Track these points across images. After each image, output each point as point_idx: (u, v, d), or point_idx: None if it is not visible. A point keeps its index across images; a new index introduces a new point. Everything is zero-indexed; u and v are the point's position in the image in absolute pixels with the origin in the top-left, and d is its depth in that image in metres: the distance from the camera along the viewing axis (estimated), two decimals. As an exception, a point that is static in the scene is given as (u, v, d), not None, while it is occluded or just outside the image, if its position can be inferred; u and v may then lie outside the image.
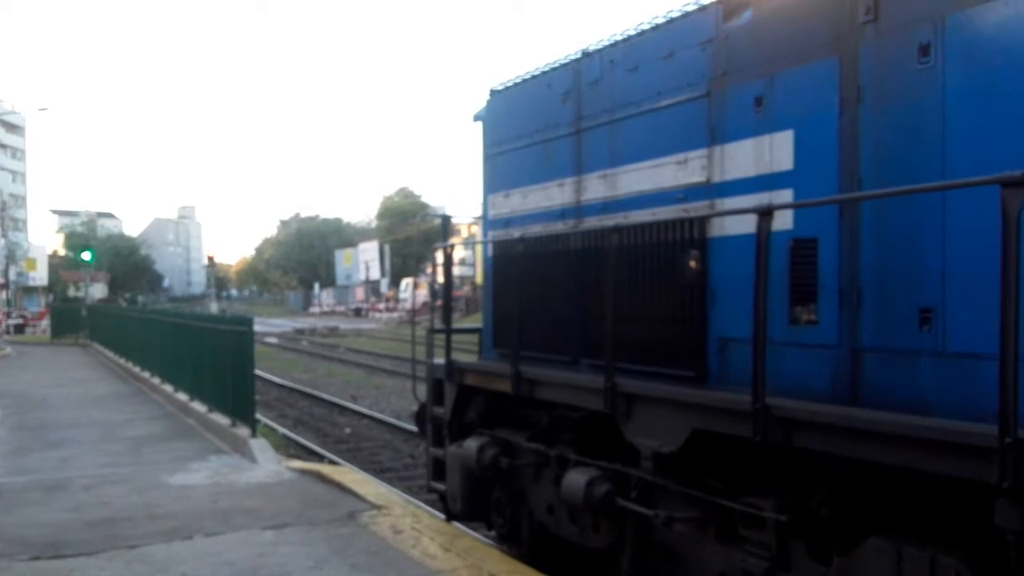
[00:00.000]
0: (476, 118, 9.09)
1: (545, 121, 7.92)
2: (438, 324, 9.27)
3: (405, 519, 7.95)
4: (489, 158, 8.86)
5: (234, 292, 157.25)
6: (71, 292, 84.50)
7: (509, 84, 8.56)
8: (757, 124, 5.67)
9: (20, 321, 54.11)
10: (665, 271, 6.18)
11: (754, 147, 5.70)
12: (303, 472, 10.38)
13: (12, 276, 72.57)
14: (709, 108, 6.04)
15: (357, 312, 78.51)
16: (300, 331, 55.44)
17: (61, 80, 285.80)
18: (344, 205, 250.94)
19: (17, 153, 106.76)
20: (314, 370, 29.86)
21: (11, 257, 69.49)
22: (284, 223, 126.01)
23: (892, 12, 4.78)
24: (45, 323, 50.35)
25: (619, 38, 7.01)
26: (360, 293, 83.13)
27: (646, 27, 6.73)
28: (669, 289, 6.14)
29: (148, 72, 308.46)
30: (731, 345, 5.69)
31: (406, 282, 70.79)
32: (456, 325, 9.60)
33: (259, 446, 11.50)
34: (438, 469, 8.95)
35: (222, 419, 13.37)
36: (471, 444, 8.12)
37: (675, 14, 6.46)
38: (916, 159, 4.63)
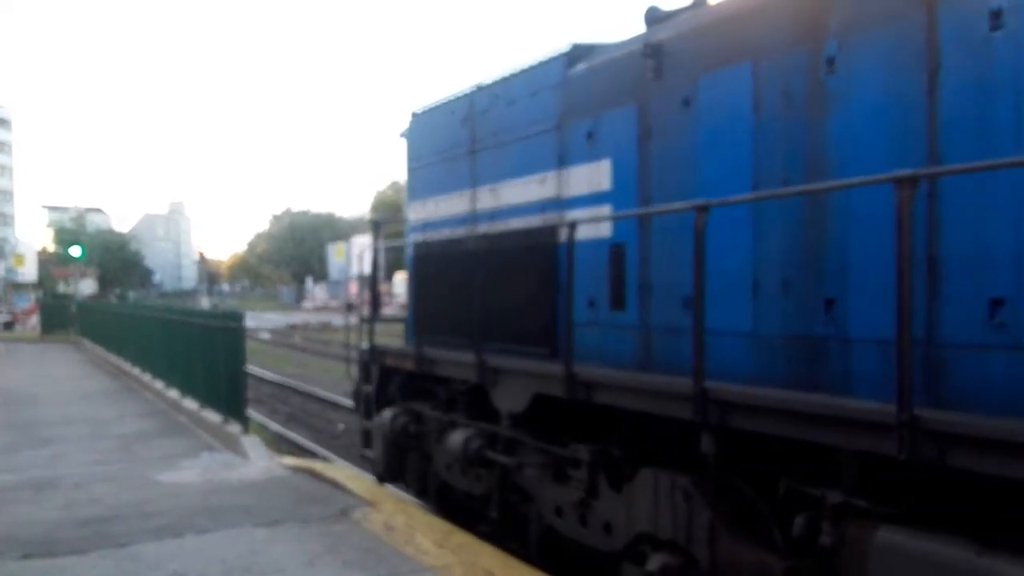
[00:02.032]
0: (402, 136, 10.58)
1: (450, 141, 9.44)
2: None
3: (398, 516, 7.97)
4: (411, 171, 10.40)
5: (226, 287, 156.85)
6: (61, 288, 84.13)
7: (426, 108, 10.05)
8: (589, 153, 7.24)
9: (9, 318, 53.90)
10: (526, 269, 7.76)
11: (587, 171, 7.27)
12: (296, 469, 10.38)
13: (1, 272, 72.42)
14: (559, 138, 7.62)
15: (349, 307, 78.10)
16: (293, 326, 55.35)
17: (50, 74, 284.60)
18: (336, 199, 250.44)
19: (5, 148, 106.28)
20: (307, 365, 29.83)
21: (0, 253, 69.33)
22: (276, 217, 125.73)
23: (668, 73, 6.42)
24: (34, 320, 50.10)
25: (502, 76, 8.55)
26: (354, 287, 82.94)
27: (519, 69, 8.30)
28: (529, 283, 7.70)
29: (138, 67, 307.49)
30: (575, 329, 6.93)
31: (400, 276, 70.75)
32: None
33: (251, 443, 11.48)
34: (368, 439, 10.60)
35: (214, 416, 13.36)
36: (386, 414, 9.87)
37: (538, 61, 8.03)
38: (681, 181, 6.22)
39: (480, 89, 8.92)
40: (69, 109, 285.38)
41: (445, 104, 9.64)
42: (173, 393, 16.73)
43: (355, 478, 9.79)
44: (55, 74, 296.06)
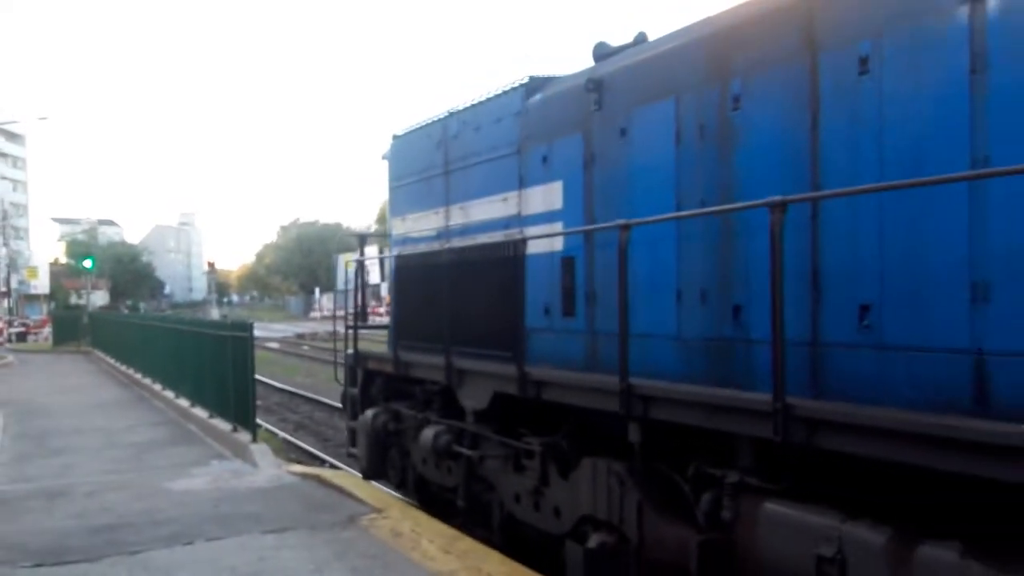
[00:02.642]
0: (384, 157, 11.40)
1: (427, 163, 10.18)
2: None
3: (405, 522, 8.00)
4: (392, 189, 11.23)
5: (235, 298, 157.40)
6: (73, 300, 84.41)
7: (405, 132, 10.86)
8: (544, 175, 7.98)
9: (22, 329, 54.23)
10: (490, 280, 8.33)
11: (542, 191, 8.01)
12: (304, 476, 10.43)
13: (14, 284, 72.60)
14: (519, 162, 8.35)
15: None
16: (301, 336, 55.42)
17: (62, 89, 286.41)
18: (344, 210, 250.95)
19: (18, 162, 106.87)
20: (315, 375, 29.87)
21: (13, 266, 69.54)
22: (284, 228, 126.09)
23: (607, 105, 7.14)
24: (47, 331, 50.46)
25: (470, 104, 9.28)
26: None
27: (485, 98, 9.04)
28: (493, 293, 8.28)
29: (149, 79, 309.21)
30: (533, 334, 7.87)
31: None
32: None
33: (260, 451, 11.53)
34: (353, 437, 11.37)
35: (223, 424, 13.41)
36: (368, 414, 10.65)
37: (501, 91, 8.75)
38: (619, 202, 6.92)
39: (452, 115, 9.67)
40: (82, 122, 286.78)
41: (421, 128, 10.42)
42: (183, 402, 16.81)
43: (362, 485, 9.86)
44: (68, 88, 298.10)
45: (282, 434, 17.24)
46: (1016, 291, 4.10)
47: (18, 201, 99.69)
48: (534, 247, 7.92)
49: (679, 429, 5.86)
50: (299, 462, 13.21)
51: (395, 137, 11.21)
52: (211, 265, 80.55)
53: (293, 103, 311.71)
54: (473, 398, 8.42)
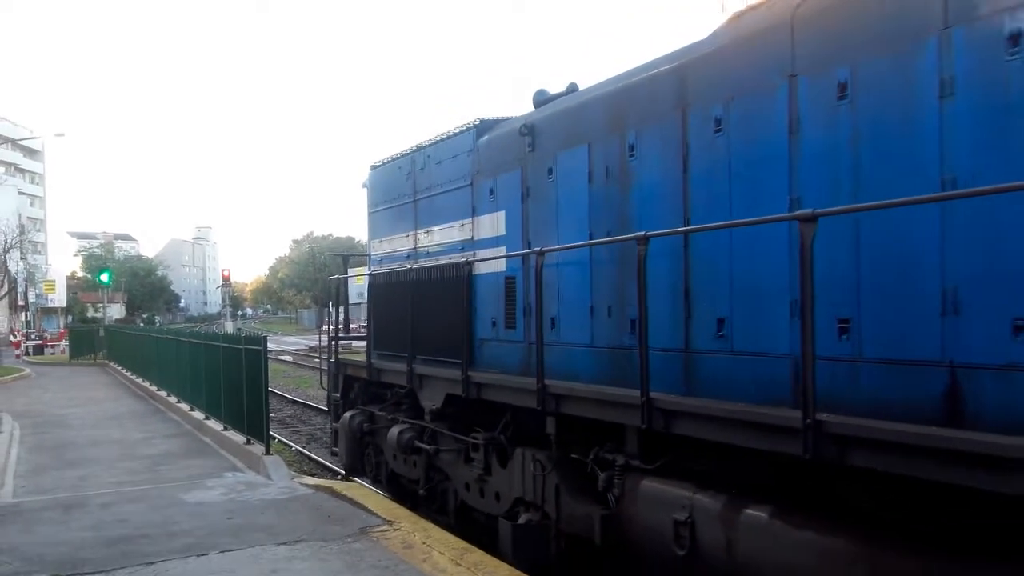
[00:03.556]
0: (363, 186, 12.75)
1: (398, 192, 11.50)
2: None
3: (416, 534, 8.03)
4: (371, 214, 12.55)
5: (249, 311, 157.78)
6: (89, 313, 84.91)
7: (381, 163, 12.21)
8: (491, 205, 9.20)
9: (39, 342, 54.47)
10: (447, 296, 9.50)
11: (490, 219, 9.21)
12: (316, 488, 10.48)
13: (31, 298, 73.05)
14: (471, 193, 9.58)
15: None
16: (314, 348, 55.47)
17: (79, 105, 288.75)
18: (357, 224, 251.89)
19: (36, 178, 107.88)
20: (328, 387, 29.85)
21: (30, 279, 69.95)
22: (297, 242, 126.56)
23: (539, 148, 8.39)
24: (64, 344, 50.69)
25: (433, 141, 10.59)
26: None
27: (444, 137, 10.34)
28: (450, 307, 9.39)
29: (165, 94, 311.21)
30: (483, 344, 9.11)
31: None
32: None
33: (273, 463, 11.59)
34: (336, 437, 12.80)
35: (237, 436, 13.49)
36: (346, 416, 12.11)
37: (458, 130, 9.99)
38: (547, 231, 8.16)
39: (419, 150, 10.96)
40: (98, 138, 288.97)
41: (394, 161, 11.75)
42: (198, 414, 16.92)
43: (374, 497, 9.92)
44: (84, 104, 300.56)
45: (295, 446, 17.33)
46: (821, 311, 5.06)
47: (36, 216, 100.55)
48: (484, 268, 9.13)
49: (585, 421, 7.02)
50: (312, 474, 13.26)
51: (372, 167, 12.53)
52: (226, 278, 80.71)
53: (307, 118, 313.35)
54: (431, 399, 9.70)
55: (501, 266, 8.86)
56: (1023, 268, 4.18)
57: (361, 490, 10.44)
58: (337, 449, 12.71)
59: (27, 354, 48.32)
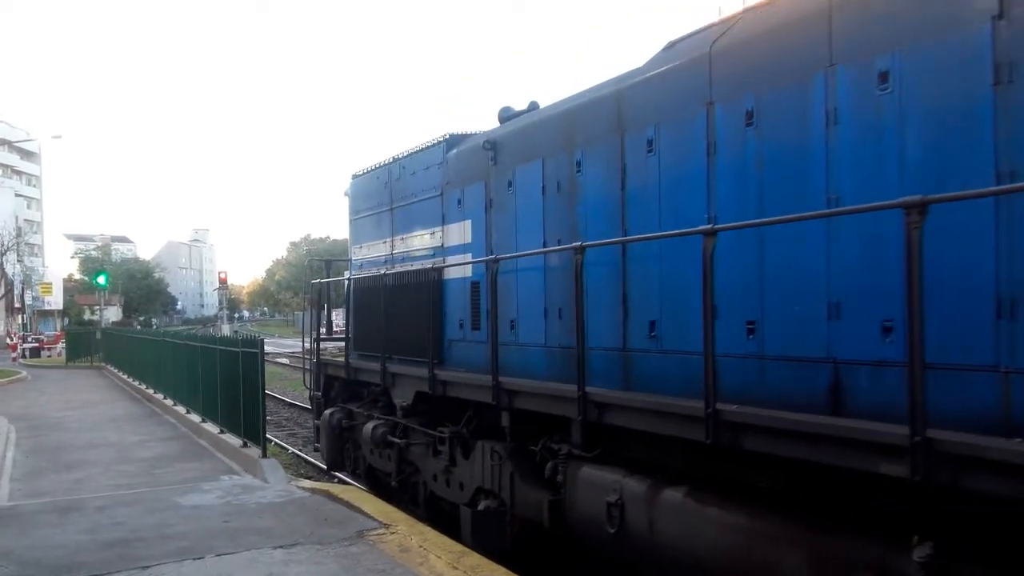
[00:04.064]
0: (345, 194, 13.53)
1: (377, 200, 12.27)
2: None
3: (412, 537, 8.02)
4: (352, 221, 13.36)
5: (246, 313, 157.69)
6: (86, 315, 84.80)
7: (361, 173, 12.98)
8: (459, 215, 9.90)
9: (36, 345, 54.36)
10: (419, 299, 10.06)
11: (458, 228, 9.89)
12: (313, 491, 10.48)
13: (28, 300, 72.96)
14: (441, 203, 10.29)
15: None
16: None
17: (75, 106, 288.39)
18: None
19: (32, 180, 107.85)
20: (324, 390, 29.82)
21: (27, 282, 69.87)
22: (294, 244, 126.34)
23: (500, 162, 9.08)
24: (60, 346, 50.64)
25: (408, 152, 11.35)
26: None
27: (417, 149, 11.07)
28: (422, 310, 9.90)
29: (162, 97, 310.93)
30: (452, 344, 9.84)
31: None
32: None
33: (270, 466, 11.57)
34: (318, 434, 13.42)
35: (234, 439, 13.47)
36: (327, 413, 12.76)
37: (428, 144, 10.74)
38: (507, 239, 8.86)
39: (395, 161, 11.69)
40: (95, 140, 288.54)
41: (373, 171, 12.49)
42: (194, 417, 16.90)
43: (370, 500, 9.88)
44: (80, 105, 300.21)
45: (292, 449, 17.28)
46: (733, 314, 5.89)
47: (32, 218, 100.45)
48: (452, 273, 9.82)
49: (536, 415, 7.70)
50: (308, 477, 13.24)
51: (354, 176, 13.27)
52: (223, 281, 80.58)
53: (305, 120, 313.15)
54: (402, 396, 10.36)
55: (467, 271, 9.53)
56: (889, 278, 4.79)
57: (358, 493, 10.44)
58: (319, 445, 13.49)
59: (24, 357, 48.20)
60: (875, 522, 4.87)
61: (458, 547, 7.78)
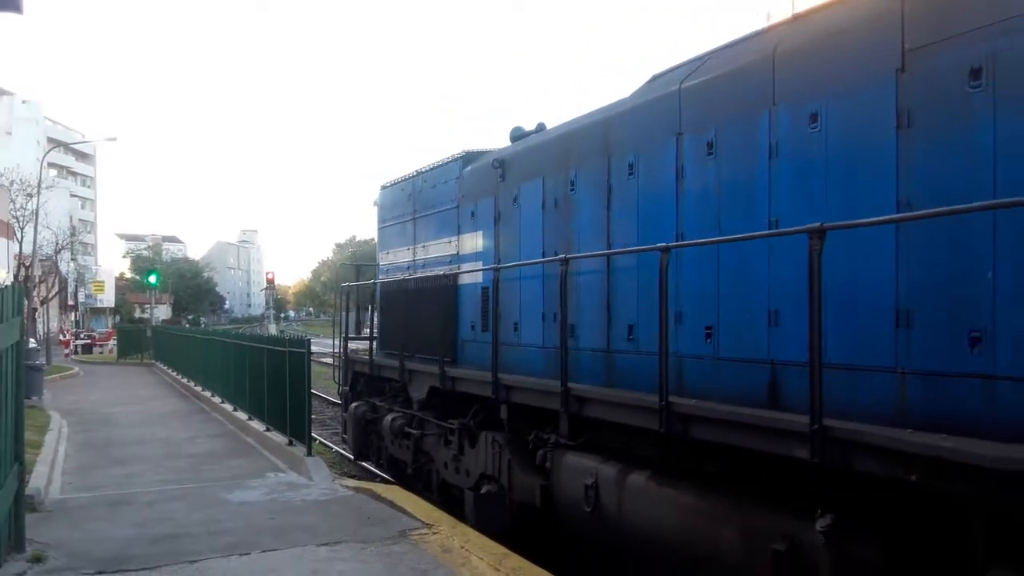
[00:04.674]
0: (374, 203, 14.72)
1: (402, 211, 13.39)
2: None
3: (454, 538, 8.05)
4: (380, 229, 14.62)
5: (292, 313, 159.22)
6: (137, 313, 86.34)
7: (389, 184, 14.16)
8: (472, 226, 10.88)
9: (88, 341, 55.54)
10: (437, 303, 11.11)
11: (471, 238, 10.91)
12: (357, 490, 10.57)
13: (81, 298, 74.46)
14: (457, 214, 11.28)
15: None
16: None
17: (128, 108, 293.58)
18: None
19: (87, 181, 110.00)
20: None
21: (80, 280, 71.24)
22: (340, 246, 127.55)
23: (507, 179, 10.01)
24: (111, 343, 51.66)
25: (430, 167, 12.44)
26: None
27: (437, 164, 12.17)
28: (439, 312, 10.99)
29: (213, 99, 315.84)
30: (464, 344, 10.75)
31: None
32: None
33: (314, 464, 11.70)
34: (345, 426, 14.71)
35: (279, 438, 13.64)
36: (352, 406, 13.98)
37: (447, 160, 11.81)
38: (513, 250, 9.80)
39: (419, 174, 12.72)
40: (147, 141, 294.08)
41: (399, 183, 13.55)
42: (241, 415, 17.13)
43: (413, 500, 9.95)
44: (133, 107, 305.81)
45: (336, 448, 17.39)
46: (695, 319, 6.81)
47: (86, 218, 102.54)
48: (466, 279, 10.74)
49: (529, 408, 8.61)
50: (352, 476, 13.31)
51: (382, 187, 14.34)
52: (270, 281, 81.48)
53: (350, 123, 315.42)
54: (418, 391, 11.30)
55: (479, 278, 10.41)
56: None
57: (401, 493, 10.50)
58: (347, 436, 14.58)
59: (76, 353, 49.33)
60: (791, 499, 5.70)
61: (500, 549, 7.79)
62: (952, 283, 4.89)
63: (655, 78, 7.98)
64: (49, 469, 11.99)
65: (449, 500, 10.90)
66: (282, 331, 62.71)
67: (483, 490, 9.60)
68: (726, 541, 6.06)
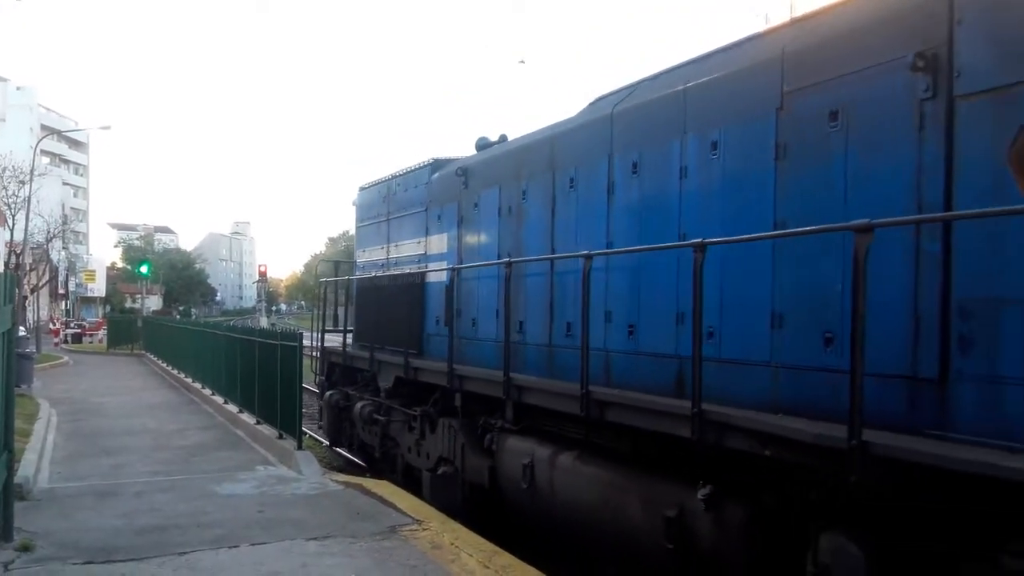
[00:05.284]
0: (352, 203, 15.77)
1: (377, 211, 14.38)
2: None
3: (444, 535, 8.09)
4: (358, 228, 15.75)
5: (284, 306, 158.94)
6: (128, 303, 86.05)
7: (366, 186, 15.21)
8: (438, 228, 11.84)
9: (78, 331, 55.44)
10: (406, 299, 12.20)
11: (437, 239, 11.83)
12: (347, 484, 10.61)
13: (72, 287, 74.28)
14: (426, 217, 12.28)
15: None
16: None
17: (122, 96, 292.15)
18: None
19: (80, 169, 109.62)
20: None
21: (71, 269, 71.05)
22: (332, 240, 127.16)
23: (470, 186, 10.88)
24: (102, 333, 51.71)
25: (403, 172, 13.43)
26: None
27: (409, 169, 13.17)
28: (407, 308, 12.09)
29: (206, 89, 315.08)
30: (429, 337, 11.67)
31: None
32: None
33: (305, 458, 11.74)
34: (321, 414, 15.80)
35: (270, 431, 13.69)
36: (327, 394, 14.92)
37: (419, 165, 12.79)
38: (473, 251, 10.70)
39: (393, 178, 13.71)
40: (141, 130, 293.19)
41: (375, 185, 14.54)
42: (231, 408, 17.18)
43: (404, 496, 10.00)
44: (127, 95, 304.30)
45: (326, 442, 17.32)
46: (620, 318, 7.70)
47: (78, 206, 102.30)
48: (432, 277, 11.66)
49: (480, 396, 9.46)
50: (342, 470, 13.30)
51: (361, 189, 15.37)
52: (262, 274, 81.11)
53: (346, 116, 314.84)
54: (386, 381, 12.23)
55: (443, 277, 11.25)
56: (714, 297, 6.46)
57: (391, 488, 10.54)
58: (322, 423, 15.59)
59: (66, 342, 49.28)
60: (682, 473, 6.65)
61: (489, 546, 7.82)
62: (813, 291, 5.81)
63: (596, 101, 8.98)
64: (38, 458, 12.02)
65: (412, 482, 11.73)
66: (273, 324, 62.53)
67: (439, 471, 10.56)
68: (632, 509, 7.10)
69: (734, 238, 6.16)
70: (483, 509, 9.75)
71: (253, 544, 7.90)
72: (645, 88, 8.02)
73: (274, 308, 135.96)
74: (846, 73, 5.67)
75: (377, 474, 12.70)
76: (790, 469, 5.54)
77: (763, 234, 6.03)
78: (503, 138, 11.36)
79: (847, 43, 5.75)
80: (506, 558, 7.49)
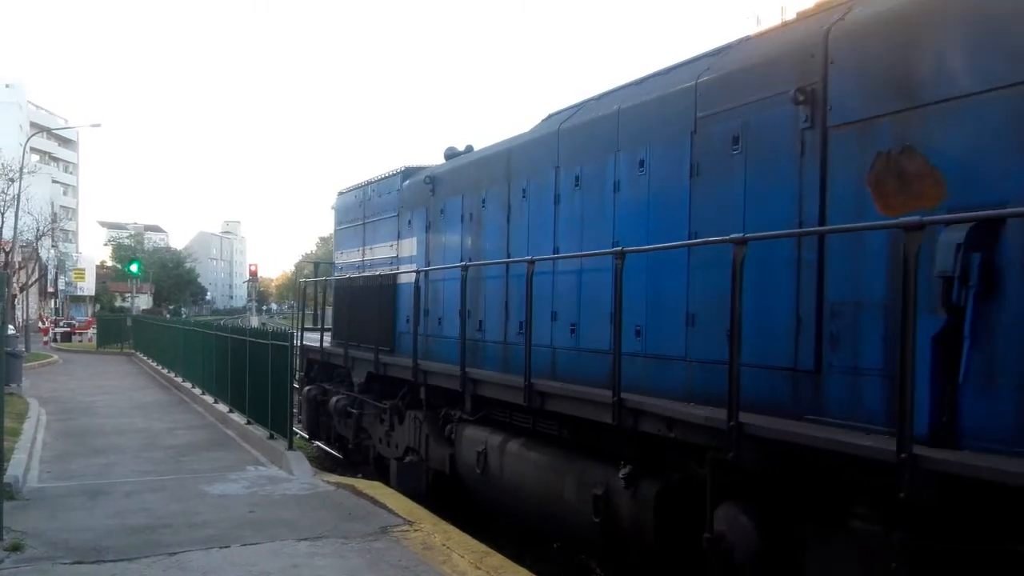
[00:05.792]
0: (332, 207, 16.72)
1: (354, 215, 15.25)
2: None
3: (436, 535, 8.12)
4: (336, 231, 16.73)
5: (274, 306, 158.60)
6: (117, 302, 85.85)
7: (345, 190, 16.14)
8: (409, 233, 12.73)
9: (67, 329, 55.26)
10: (379, 299, 12.84)
11: (408, 243, 12.76)
12: (338, 485, 10.62)
13: (61, 285, 74.09)
14: (397, 222, 13.13)
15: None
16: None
17: (112, 95, 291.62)
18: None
19: (69, 167, 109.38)
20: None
21: (61, 267, 70.88)
22: (323, 240, 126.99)
23: (437, 194, 11.68)
24: (91, 332, 51.46)
25: (377, 178, 14.30)
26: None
27: (383, 176, 14.03)
28: (380, 307, 12.71)
29: (197, 88, 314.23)
30: (400, 335, 12.42)
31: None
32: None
33: (296, 458, 11.78)
34: (301, 409, 16.50)
35: (260, 431, 13.74)
36: (306, 389, 15.93)
37: (391, 172, 13.60)
38: (440, 255, 11.55)
39: (369, 184, 14.53)
40: (131, 129, 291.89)
41: (353, 190, 15.39)
42: (222, 407, 17.23)
43: (395, 496, 9.98)
44: (117, 93, 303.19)
45: (317, 442, 17.31)
46: (564, 318, 8.51)
47: (68, 205, 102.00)
48: (403, 279, 12.43)
49: (445, 390, 10.18)
50: (333, 471, 13.29)
51: (339, 193, 16.20)
52: (253, 273, 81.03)
53: (337, 116, 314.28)
54: (359, 376, 13.04)
55: (412, 278, 12.02)
56: (639, 300, 7.30)
57: (383, 489, 10.54)
58: (302, 417, 16.35)
59: (55, 341, 49.19)
60: (607, 455, 7.50)
61: (481, 547, 7.85)
62: (719, 294, 6.33)
63: (547, 117, 9.80)
64: (27, 457, 12.04)
65: (383, 471, 12.64)
66: (264, 324, 62.34)
67: (406, 459, 11.45)
68: (567, 489, 7.96)
69: (648, 247, 7.03)
70: (445, 494, 10.61)
71: (244, 544, 7.94)
72: (589, 107, 8.86)
73: (265, 308, 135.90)
74: (746, 103, 6.48)
75: (352, 465, 13.80)
76: (692, 449, 6.34)
77: (673, 243, 6.81)
78: (469, 148, 12.14)
79: (747, 75, 6.57)
80: (497, 559, 7.51)
